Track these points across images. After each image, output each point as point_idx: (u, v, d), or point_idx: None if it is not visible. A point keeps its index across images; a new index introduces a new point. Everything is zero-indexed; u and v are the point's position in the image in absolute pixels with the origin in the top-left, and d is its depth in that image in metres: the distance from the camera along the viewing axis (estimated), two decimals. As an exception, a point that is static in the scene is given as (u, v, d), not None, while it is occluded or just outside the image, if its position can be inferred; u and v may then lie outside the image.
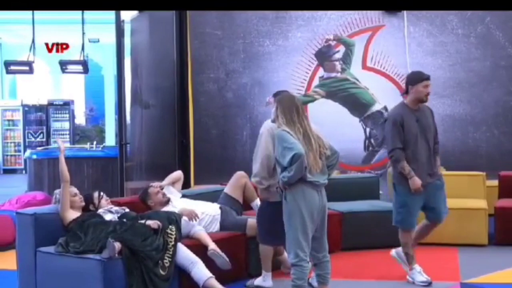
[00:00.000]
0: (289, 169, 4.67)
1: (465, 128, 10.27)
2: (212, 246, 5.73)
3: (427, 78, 6.00)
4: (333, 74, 10.47)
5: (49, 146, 17.36)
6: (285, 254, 5.80)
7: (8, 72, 14.00)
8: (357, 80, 10.41)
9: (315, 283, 5.67)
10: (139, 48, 9.79)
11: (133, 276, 5.10)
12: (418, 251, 7.42)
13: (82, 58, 12.71)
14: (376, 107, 10.40)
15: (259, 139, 5.75)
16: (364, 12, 10.33)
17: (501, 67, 10.17)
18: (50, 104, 20.09)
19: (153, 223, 5.49)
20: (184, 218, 5.93)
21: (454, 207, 7.62)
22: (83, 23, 12.68)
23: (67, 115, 20.14)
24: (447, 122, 10.28)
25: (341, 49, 10.47)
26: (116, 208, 5.96)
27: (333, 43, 10.45)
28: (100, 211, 5.83)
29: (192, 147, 10.28)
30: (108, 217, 5.71)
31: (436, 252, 7.31)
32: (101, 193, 6.03)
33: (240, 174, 6.85)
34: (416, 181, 5.83)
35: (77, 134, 20.64)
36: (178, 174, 6.99)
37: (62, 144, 5.79)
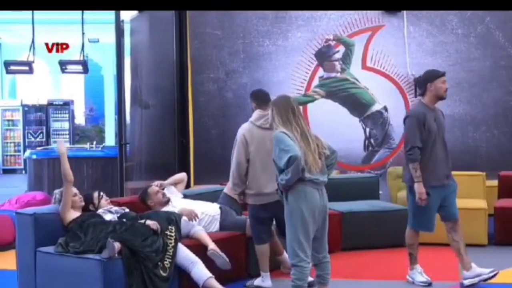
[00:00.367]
0: (286, 172, 4.67)
1: (465, 128, 10.27)
2: (211, 246, 5.72)
3: (443, 74, 6.00)
4: (333, 74, 10.47)
5: (49, 146, 17.36)
6: (285, 254, 5.81)
7: (8, 72, 14.00)
8: (357, 80, 10.41)
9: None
10: (139, 48, 9.79)
11: (133, 276, 5.10)
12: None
13: (82, 58, 12.71)
14: (376, 107, 10.40)
15: (234, 143, 5.87)
16: (363, 12, 10.33)
17: (501, 67, 10.18)
18: (50, 104, 20.08)
19: (152, 224, 5.48)
20: (184, 218, 5.93)
21: (454, 207, 7.63)
22: (83, 23, 12.68)
23: (67, 115, 20.14)
24: (446, 122, 10.12)
25: (341, 49, 10.48)
26: (116, 208, 5.96)
27: (333, 43, 10.46)
28: (99, 211, 5.83)
29: (192, 147, 10.28)
30: (107, 217, 5.71)
31: (435, 252, 7.31)
32: (101, 193, 6.03)
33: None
34: (422, 188, 5.75)
35: (77, 134, 20.64)
36: (181, 175, 7.03)
37: (62, 146, 5.77)
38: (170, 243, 5.43)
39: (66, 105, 20.23)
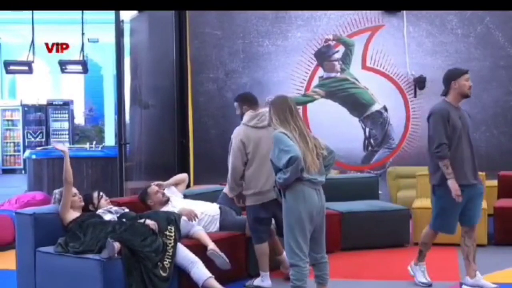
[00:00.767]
0: (285, 171, 4.65)
1: (464, 128, 10.26)
2: (211, 246, 5.72)
3: (467, 71, 5.92)
4: (333, 74, 10.48)
5: (48, 146, 17.32)
6: (285, 253, 5.81)
7: (7, 72, 13.97)
8: (357, 80, 10.42)
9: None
10: (138, 48, 9.79)
11: (132, 276, 5.10)
12: (417, 250, 7.44)
13: (81, 58, 12.70)
14: (376, 107, 10.41)
15: (229, 146, 5.87)
16: (363, 12, 10.34)
17: (500, 67, 10.18)
18: (50, 104, 20.07)
19: (151, 224, 5.48)
20: (184, 218, 5.93)
21: (454, 207, 7.62)
22: (82, 23, 12.67)
23: (67, 115, 20.12)
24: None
25: (341, 49, 10.48)
26: (116, 208, 5.96)
27: (332, 43, 10.46)
28: (99, 211, 5.83)
29: (191, 147, 10.29)
30: (107, 217, 5.71)
31: (435, 252, 7.28)
32: (101, 193, 6.03)
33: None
34: (455, 184, 5.58)
35: (77, 134, 20.62)
36: (183, 176, 7.04)
37: (63, 147, 5.78)
38: (170, 243, 5.43)
39: (65, 105, 20.21)
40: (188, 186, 9.50)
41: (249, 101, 6.20)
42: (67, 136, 19.83)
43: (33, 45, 12.58)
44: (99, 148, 12.58)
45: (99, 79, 20.30)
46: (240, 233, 6.29)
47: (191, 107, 10.38)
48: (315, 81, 10.48)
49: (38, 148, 14.42)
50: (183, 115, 10.20)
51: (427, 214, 7.70)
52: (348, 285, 6.15)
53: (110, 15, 8.92)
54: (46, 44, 14.07)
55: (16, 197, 9.09)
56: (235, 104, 6.34)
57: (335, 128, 10.34)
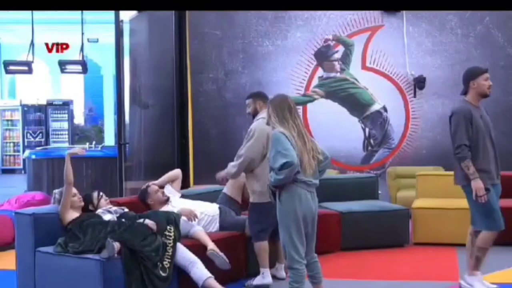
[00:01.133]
0: (279, 173, 4.64)
1: (464, 128, 10.25)
2: (211, 246, 5.72)
3: (486, 70, 5.76)
4: (332, 74, 10.48)
5: (48, 146, 17.35)
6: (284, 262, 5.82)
7: (7, 72, 13.99)
8: (356, 80, 10.43)
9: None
10: (138, 48, 9.79)
11: (132, 276, 5.10)
12: (417, 250, 7.45)
13: (81, 58, 12.70)
14: (376, 107, 10.42)
15: (249, 136, 5.83)
16: (363, 12, 10.34)
17: (500, 67, 10.18)
18: (49, 104, 20.06)
19: (151, 224, 5.48)
20: (183, 218, 5.93)
21: (453, 207, 7.63)
22: (82, 23, 12.67)
23: (66, 115, 20.12)
24: (446, 122, 10.15)
25: (340, 49, 10.48)
26: (115, 208, 5.95)
27: (332, 43, 10.46)
28: (99, 211, 5.83)
29: (191, 147, 10.28)
30: (107, 217, 5.70)
31: (435, 252, 7.32)
32: (101, 193, 6.02)
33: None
34: (479, 184, 5.45)
35: (76, 134, 20.61)
36: (176, 172, 6.94)
37: (81, 151, 5.79)
38: (169, 243, 5.43)
39: (65, 105, 20.21)
40: (187, 186, 9.53)
41: (264, 97, 6.16)
42: (66, 136, 19.83)
43: (33, 45, 12.59)
44: (99, 148, 12.59)
45: (98, 79, 20.30)
46: (240, 233, 6.29)
47: (190, 107, 10.38)
48: (315, 81, 10.48)
49: (38, 148, 14.43)
50: (183, 115, 10.20)
51: (427, 214, 7.75)
52: (348, 285, 6.15)
53: (109, 15, 8.93)
54: (46, 44, 14.07)
55: (16, 197, 9.09)
56: (248, 101, 6.23)
57: (334, 128, 10.36)
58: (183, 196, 6.77)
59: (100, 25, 13.62)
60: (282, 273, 6.20)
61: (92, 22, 13.41)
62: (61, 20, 14.88)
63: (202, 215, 6.29)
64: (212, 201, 6.69)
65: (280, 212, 4.82)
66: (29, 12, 12.16)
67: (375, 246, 7.47)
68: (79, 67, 12.74)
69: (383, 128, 10.43)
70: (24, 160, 16.21)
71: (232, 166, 6.00)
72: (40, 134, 19.86)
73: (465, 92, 5.84)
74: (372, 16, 10.40)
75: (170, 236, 5.47)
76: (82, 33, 12.77)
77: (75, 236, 5.35)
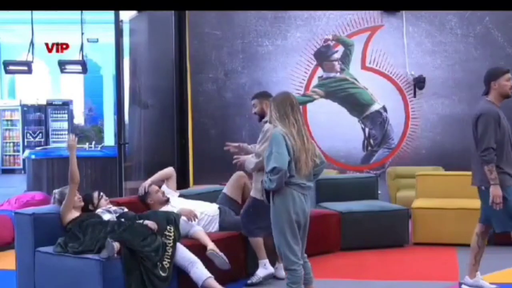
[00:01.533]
0: (272, 179, 4.62)
1: (464, 128, 10.19)
2: (211, 246, 5.72)
3: (508, 71, 5.65)
4: (332, 74, 10.48)
5: (48, 146, 17.34)
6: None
7: (7, 72, 13.98)
8: (356, 80, 10.43)
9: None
10: (138, 48, 9.79)
11: (132, 276, 5.10)
12: (416, 250, 7.45)
13: (81, 58, 12.70)
14: (375, 107, 10.42)
15: (265, 136, 5.74)
16: (363, 12, 10.34)
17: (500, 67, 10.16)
18: (49, 104, 20.05)
19: (151, 223, 5.48)
20: (183, 218, 5.93)
21: (453, 207, 7.64)
22: (82, 23, 12.67)
23: (66, 115, 20.11)
24: (446, 122, 10.30)
25: (340, 49, 10.48)
26: (115, 208, 5.95)
27: (332, 43, 10.46)
28: (98, 211, 5.83)
29: (191, 147, 10.28)
30: (106, 217, 5.70)
31: (435, 252, 7.32)
32: (101, 193, 6.02)
33: (239, 175, 6.82)
34: (498, 191, 5.34)
35: (76, 134, 20.49)
36: (169, 170, 6.86)
37: (72, 142, 5.71)
38: (169, 243, 5.43)
39: (65, 105, 20.20)
40: (187, 186, 9.54)
41: (269, 97, 6.13)
42: (66, 136, 19.78)
43: (33, 45, 12.58)
44: (99, 148, 12.58)
45: (98, 79, 20.29)
46: (240, 233, 6.29)
47: (190, 107, 10.38)
48: (315, 81, 10.48)
49: (38, 148, 14.43)
50: (183, 115, 10.20)
51: (427, 214, 7.75)
52: (348, 285, 6.15)
53: (109, 15, 8.93)
54: (46, 44, 14.07)
55: (16, 197, 9.08)
56: (254, 101, 6.20)
57: (334, 128, 10.36)
58: (182, 196, 6.76)
59: (100, 25, 13.63)
60: (282, 273, 6.18)
61: (92, 22, 13.41)
62: (61, 20, 14.87)
63: (202, 215, 6.29)
64: (211, 201, 6.69)
65: (273, 214, 4.80)
66: (29, 12, 12.15)
67: (375, 246, 7.47)
68: (78, 67, 12.74)
69: (382, 128, 10.43)
70: (23, 160, 16.20)
71: (251, 162, 5.87)
72: (40, 134, 19.86)
73: (486, 93, 5.71)
74: (372, 16, 10.40)
75: (170, 236, 5.47)
76: (82, 33, 12.76)
77: (75, 236, 5.35)
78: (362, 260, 7.03)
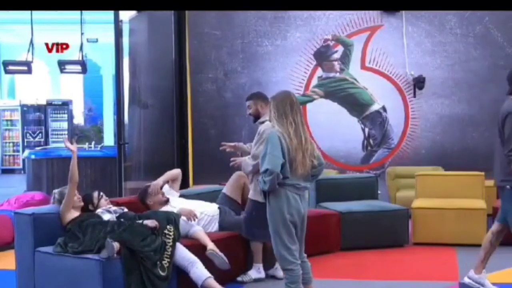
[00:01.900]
0: (265, 180, 4.63)
1: (463, 128, 10.28)
2: (210, 246, 5.72)
3: None
4: (332, 74, 10.49)
5: (47, 146, 17.34)
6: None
7: (6, 72, 13.97)
8: (356, 80, 10.43)
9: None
10: (137, 48, 9.79)
11: (131, 276, 5.10)
12: (416, 250, 7.45)
13: (80, 58, 12.69)
14: (375, 107, 10.42)
15: (261, 138, 5.76)
16: (362, 12, 10.34)
17: (499, 67, 10.16)
18: (49, 104, 20.04)
19: (150, 222, 5.47)
20: (183, 218, 5.92)
21: (453, 207, 7.65)
22: (81, 23, 12.67)
23: (66, 115, 20.10)
24: (445, 122, 10.30)
25: (340, 49, 10.48)
26: (115, 208, 5.95)
27: (331, 43, 10.46)
28: (98, 211, 5.83)
29: (191, 147, 10.28)
30: (106, 217, 5.70)
31: (434, 252, 7.32)
32: (101, 193, 6.02)
33: (239, 175, 6.81)
34: None
35: (76, 134, 20.59)
36: (176, 172, 6.90)
37: (72, 147, 5.72)
38: (169, 242, 5.42)
39: (65, 105, 20.19)
40: (187, 186, 9.53)
41: (265, 98, 6.14)
42: (66, 136, 19.80)
43: (32, 45, 12.57)
44: (98, 148, 12.58)
45: (98, 79, 20.28)
46: (239, 233, 6.29)
47: (190, 107, 10.38)
48: (314, 81, 10.48)
49: (37, 148, 14.42)
50: (182, 115, 10.20)
51: (426, 214, 7.75)
52: (348, 285, 6.15)
53: (109, 15, 8.92)
54: (46, 44, 14.06)
55: (15, 197, 9.08)
56: (249, 102, 6.20)
57: (334, 128, 10.37)
58: (182, 196, 6.76)
59: (99, 25, 13.62)
60: (281, 273, 6.20)
61: (92, 22, 13.40)
62: (61, 20, 14.87)
63: (202, 215, 6.29)
64: (211, 201, 6.69)
65: (268, 214, 4.80)
66: (28, 11, 12.15)
67: (375, 246, 7.47)
68: (78, 67, 12.73)
69: (382, 128, 10.43)
70: (23, 160, 16.19)
71: (248, 165, 5.93)
72: (40, 134, 19.85)
73: (511, 92, 5.72)
74: (372, 16, 10.40)
75: (170, 235, 5.47)
76: (82, 33, 12.76)
77: (75, 236, 5.35)
78: (362, 260, 7.03)
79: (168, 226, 5.52)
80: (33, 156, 11.71)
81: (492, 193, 8.22)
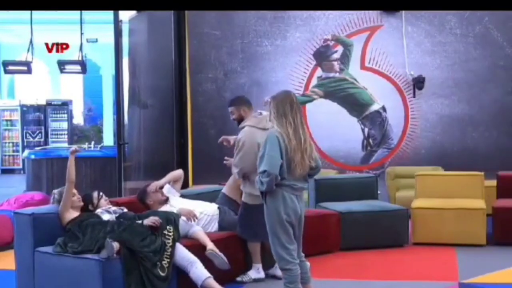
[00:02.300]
0: (263, 181, 4.64)
1: (463, 128, 10.28)
2: (210, 246, 5.72)
3: None
4: (331, 74, 10.49)
5: (47, 146, 17.33)
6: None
7: (6, 72, 13.97)
8: (356, 80, 10.43)
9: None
10: (137, 48, 9.78)
11: (131, 276, 5.10)
12: (416, 250, 7.45)
13: (80, 58, 12.69)
14: (375, 107, 10.43)
15: (238, 147, 5.96)
16: (362, 12, 10.34)
17: (499, 67, 10.19)
18: (49, 104, 20.03)
19: (150, 220, 5.46)
20: (183, 218, 5.92)
21: (453, 207, 7.64)
22: (81, 23, 12.66)
23: (65, 115, 20.09)
24: (445, 122, 10.30)
25: (339, 49, 10.48)
26: (114, 208, 5.95)
27: (331, 43, 10.46)
28: (98, 211, 5.82)
29: (190, 147, 10.28)
30: (106, 217, 5.70)
31: (434, 252, 7.32)
32: (101, 193, 6.02)
33: (238, 175, 6.83)
34: None
35: (75, 134, 20.60)
36: (179, 173, 6.89)
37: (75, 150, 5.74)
38: (168, 242, 5.42)
39: (64, 105, 20.18)
40: (186, 186, 9.53)
41: (247, 102, 6.22)
42: (66, 136, 19.81)
43: (32, 45, 12.57)
44: (98, 148, 12.56)
45: (98, 79, 20.28)
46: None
47: (190, 107, 10.38)
48: (314, 81, 10.48)
49: (37, 148, 14.39)
50: (182, 115, 10.20)
51: (426, 214, 7.75)
52: (347, 285, 6.15)
53: (109, 15, 8.92)
54: (46, 44, 14.05)
55: (15, 197, 9.07)
56: (231, 108, 6.24)
57: (334, 128, 10.37)
58: (182, 196, 6.75)
59: (99, 25, 13.61)
60: (281, 273, 6.22)
61: (91, 22, 13.39)
62: (61, 20, 14.87)
63: (202, 215, 6.29)
64: (211, 201, 6.69)
65: (266, 214, 4.82)
66: (28, 12, 12.14)
67: (375, 246, 7.46)
68: (78, 67, 12.73)
69: (382, 128, 10.44)
70: (23, 160, 16.19)
71: (234, 172, 6.06)
72: (39, 134, 19.85)
73: None
74: (371, 16, 10.40)
75: (170, 236, 5.46)
76: (81, 33, 12.75)
77: (75, 236, 5.35)
78: (362, 260, 7.03)
79: (168, 227, 5.52)
80: (32, 156, 11.70)
81: (492, 193, 8.25)
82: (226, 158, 6.25)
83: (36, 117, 19.96)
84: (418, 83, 10.17)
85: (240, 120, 6.18)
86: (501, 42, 10.20)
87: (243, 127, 6.06)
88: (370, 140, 10.49)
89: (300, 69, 10.46)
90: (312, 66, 10.47)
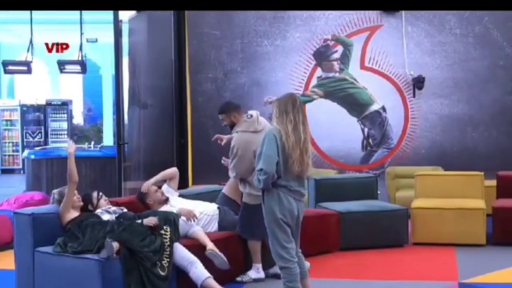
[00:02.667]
0: (260, 179, 4.68)
1: (463, 128, 10.29)
2: (210, 246, 5.72)
3: None
4: (331, 74, 10.49)
5: (47, 146, 17.32)
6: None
7: (6, 72, 13.96)
8: (355, 80, 10.43)
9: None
10: (137, 48, 9.78)
11: (131, 276, 5.10)
12: (416, 250, 7.45)
13: (80, 58, 12.69)
14: (374, 107, 10.43)
15: (232, 153, 6.05)
16: (362, 12, 10.34)
17: (499, 67, 10.19)
18: (48, 104, 20.03)
19: (150, 220, 5.46)
20: (183, 218, 5.92)
21: (452, 207, 7.64)
22: (81, 23, 12.66)
23: (65, 115, 20.09)
24: (445, 122, 10.30)
25: (339, 49, 10.48)
26: (114, 208, 5.95)
27: (331, 43, 10.47)
28: (97, 211, 5.82)
29: (190, 147, 10.28)
30: (105, 217, 5.70)
31: (434, 252, 7.32)
32: (100, 193, 6.02)
33: (238, 175, 6.83)
34: None
35: (75, 134, 20.57)
36: (172, 171, 6.84)
37: (71, 147, 5.72)
38: (166, 242, 5.42)
39: (64, 105, 20.18)
40: (186, 186, 9.53)
41: (237, 107, 6.30)
42: (65, 136, 19.79)
43: (32, 45, 12.57)
44: (98, 148, 12.56)
45: (97, 79, 20.27)
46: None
47: (189, 107, 10.38)
48: (314, 81, 10.49)
49: (37, 148, 14.40)
50: (182, 115, 10.20)
51: (426, 214, 7.75)
52: (347, 285, 6.15)
53: (109, 15, 8.91)
54: (46, 44, 14.05)
55: (15, 197, 9.07)
56: (222, 116, 6.33)
57: (333, 128, 10.37)
58: (182, 196, 6.75)
59: (99, 25, 13.60)
60: (263, 273, 6.20)
61: (91, 22, 13.40)
62: (60, 20, 14.86)
63: (201, 215, 6.29)
64: (211, 201, 6.69)
65: (264, 213, 4.86)
66: (27, 11, 12.14)
67: (374, 246, 7.47)
68: (78, 67, 12.73)
69: (382, 128, 10.44)
70: (23, 160, 16.18)
71: (231, 175, 6.15)
72: (39, 134, 19.84)
73: None
74: (371, 16, 10.40)
75: (166, 235, 5.46)
76: (81, 33, 12.75)
77: (74, 236, 5.35)
78: (362, 260, 7.03)
79: (164, 227, 5.52)
80: (32, 156, 11.70)
81: (491, 193, 8.25)
82: (224, 158, 6.29)
83: (36, 117, 19.95)
84: (418, 83, 10.17)
85: (232, 125, 6.22)
86: (501, 42, 10.20)
87: (236, 131, 6.11)
88: (370, 140, 10.49)
89: (300, 69, 10.46)
90: (312, 66, 10.47)
